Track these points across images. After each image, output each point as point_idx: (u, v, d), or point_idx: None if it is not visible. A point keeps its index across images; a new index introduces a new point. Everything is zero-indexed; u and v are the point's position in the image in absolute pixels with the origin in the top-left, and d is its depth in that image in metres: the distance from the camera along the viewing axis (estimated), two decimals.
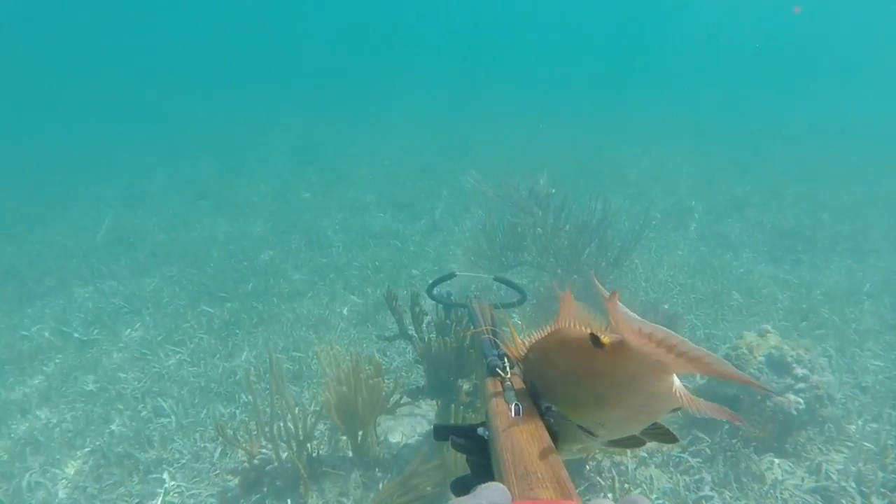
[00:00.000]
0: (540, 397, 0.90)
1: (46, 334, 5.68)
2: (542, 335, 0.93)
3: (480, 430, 0.89)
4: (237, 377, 4.86)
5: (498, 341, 1.11)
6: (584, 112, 18.99)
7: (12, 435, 4.30)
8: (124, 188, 10.86)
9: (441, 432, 0.94)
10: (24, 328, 5.85)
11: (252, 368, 4.89)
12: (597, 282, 0.84)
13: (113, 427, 4.31)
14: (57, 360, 5.27)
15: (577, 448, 0.88)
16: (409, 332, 3.63)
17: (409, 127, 15.55)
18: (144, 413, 4.45)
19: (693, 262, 7.23)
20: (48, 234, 8.58)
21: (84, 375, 5.00)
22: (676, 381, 0.71)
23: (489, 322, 1.45)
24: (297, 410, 3.66)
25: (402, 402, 3.67)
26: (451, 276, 2.39)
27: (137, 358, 5.28)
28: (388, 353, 5.21)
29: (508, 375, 0.97)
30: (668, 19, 38.22)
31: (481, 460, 0.86)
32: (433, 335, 3.49)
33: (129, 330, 5.73)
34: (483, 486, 0.57)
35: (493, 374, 1.01)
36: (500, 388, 0.94)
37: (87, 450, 4.10)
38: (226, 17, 35.80)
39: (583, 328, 0.81)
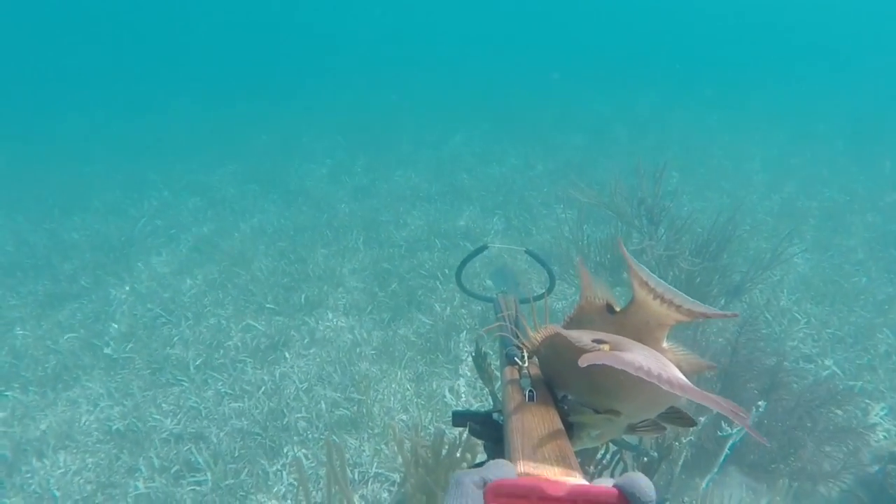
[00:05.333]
0: (555, 387, 0.96)
1: (75, 348, 5.20)
2: (551, 333, 1.00)
3: (495, 416, 0.97)
4: (285, 421, 4.24)
5: (519, 333, 1.13)
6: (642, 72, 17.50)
7: (26, 487, 3.79)
8: (168, 167, 10.38)
9: (459, 419, 1.02)
10: (51, 338, 5.39)
11: (301, 419, 4.24)
12: (622, 247, 0.91)
13: (139, 485, 3.74)
14: (84, 384, 4.77)
15: (594, 434, 0.90)
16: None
17: (475, 103, 14.58)
18: (175, 467, 3.86)
19: (818, 283, 6.20)
20: (87, 219, 8.18)
21: (111, 408, 4.47)
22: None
23: (513, 315, 1.50)
24: None
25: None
26: (483, 248, 2.27)
27: (172, 385, 4.73)
28: (462, 396, 4.50)
29: (525, 364, 1.02)
30: None
31: (497, 446, 0.93)
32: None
33: (167, 348, 5.19)
34: (491, 461, 0.62)
35: (511, 363, 1.05)
36: (517, 376, 0.99)
37: None
38: None
39: (584, 340, 0.84)
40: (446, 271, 6.10)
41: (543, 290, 2.31)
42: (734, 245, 5.42)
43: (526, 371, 0.99)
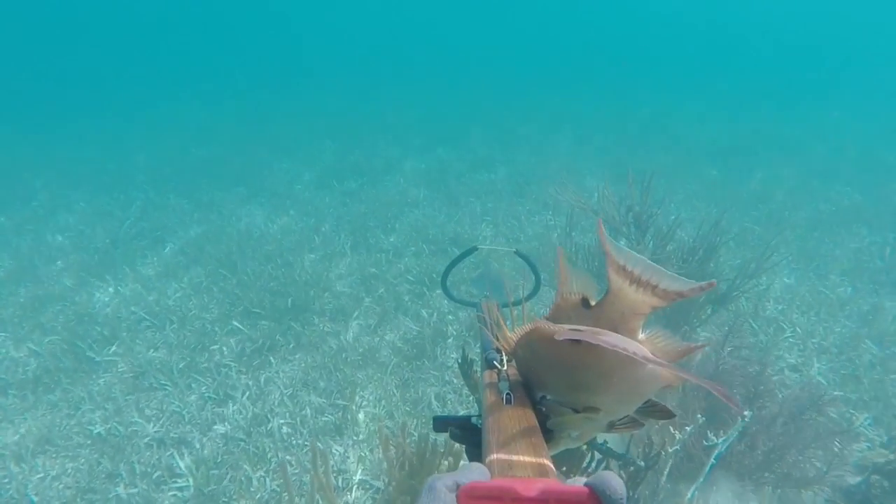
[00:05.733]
0: (534, 388, 0.96)
1: (57, 351, 5.13)
2: (526, 330, 1.00)
3: (474, 420, 0.96)
4: (269, 426, 4.20)
5: (499, 335, 1.09)
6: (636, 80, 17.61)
7: (2, 493, 3.74)
8: (156, 167, 10.33)
9: (440, 424, 1.01)
10: (33, 340, 5.32)
11: (285, 424, 4.22)
12: (603, 231, 0.90)
13: (119, 491, 3.70)
14: (65, 386, 4.71)
15: (574, 435, 0.92)
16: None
17: (465, 110, 14.61)
18: (157, 473, 3.82)
19: (804, 292, 6.24)
20: (72, 220, 8.10)
21: (93, 411, 4.42)
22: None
23: (494, 319, 1.46)
24: None
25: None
26: (473, 250, 2.33)
27: (156, 389, 4.69)
28: (448, 402, 4.49)
29: (504, 368, 1.02)
30: None
31: (477, 450, 0.91)
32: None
33: (150, 350, 5.14)
34: (464, 464, 0.65)
35: (490, 366, 1.05)
36: (495, 380, 0.99)
37: None
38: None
39: (559, 327, 0.85)
40: (434, 276, 6.09)
41: (526, 294, 2.34)
42: (721, 253, 5.45)
43: (504, 374, 0.99)
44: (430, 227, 7.50)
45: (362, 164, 10.21)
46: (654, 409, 0.93)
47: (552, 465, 0.71)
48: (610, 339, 0.77)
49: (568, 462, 2.21)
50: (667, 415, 0.94)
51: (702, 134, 12.75)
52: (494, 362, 1.04)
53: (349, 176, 9.62)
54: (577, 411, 0.88)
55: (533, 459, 0.71)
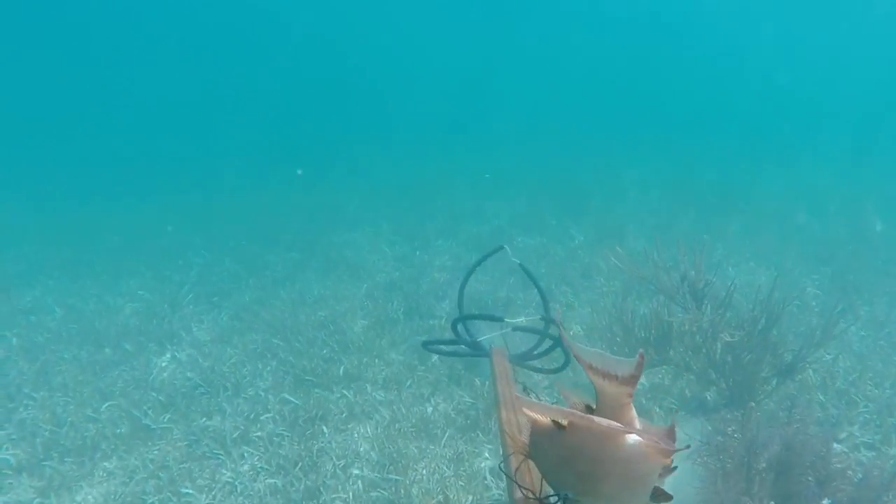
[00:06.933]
0: (556, 487, 1.02)
1: (115, 415, 5.22)
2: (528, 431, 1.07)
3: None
4: (321, 500, 4.14)
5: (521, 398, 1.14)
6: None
7: None
8: (214, 231, 10.66)
9: None
10: (92, 405, 5.43)
11: (338, 498, 4.15)
12: (564, 335, 1.10)
13: None
14: (121, 454, 4.76)
15: None
16: None
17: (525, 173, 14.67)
18: None
19: (876, 363, 5.91)
20: (132, 285, 8.37)
21: (146, 482, 4.44)
22: (635, 438, 0.89)
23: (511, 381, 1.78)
24: None
25: None
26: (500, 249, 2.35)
27: (208, 458, 4.69)
28: (503, 478, 4.34)
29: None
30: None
31: None
32: None
33: (204, 419, 5.18)
34: None
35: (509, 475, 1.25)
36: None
37: None
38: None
39: (546, 417, 0.98)
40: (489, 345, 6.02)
41: (543, 362, 2.40)
42: (783, 320, 5.24)
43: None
44: (483, 293, 7.46)
45: (415, 229, 10.31)
46: (664, 495, 0.97)
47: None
48: (586, 419, 0.88)
49: None
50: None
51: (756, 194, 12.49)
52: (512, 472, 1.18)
53: (400, 241, 9.74)
54: None
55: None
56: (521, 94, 29.62)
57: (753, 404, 4.26)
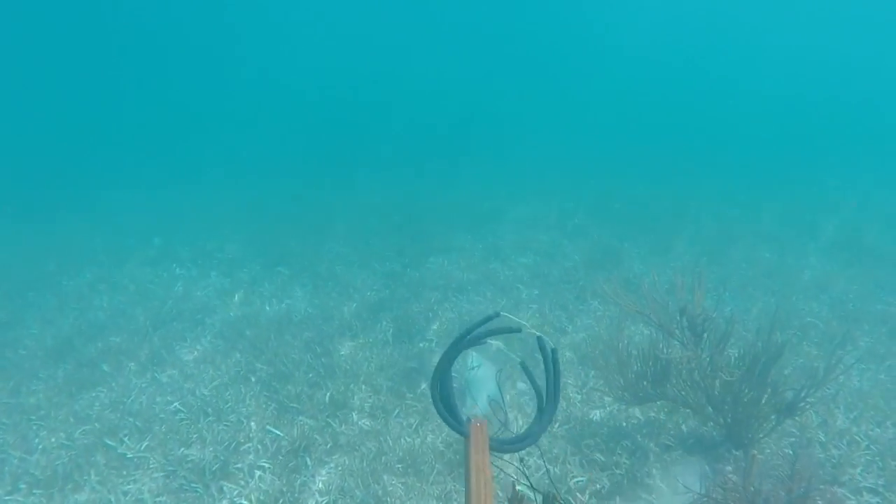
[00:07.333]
0: None
1: (89, 444, 5.01)
2: None
3: None
4: None
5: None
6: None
7: None
8: (200, 245, 10.42)
9: None
10: (65, 431, 5.21)
11: None
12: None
13: None
14: (94, 486, 4.55)
15: None
16: None
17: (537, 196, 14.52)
18: None
19: (878, 401, 5.75)
20: (115, 300, 8.15)
21: None
22: None
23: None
24: None
25: None
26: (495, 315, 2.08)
27: (186, 491, 4.49)
28: None
29: None
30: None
31: None
32: None
33: (182, 448, 4.97)
34: None
35: None
36: None
37: None
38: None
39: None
40: None
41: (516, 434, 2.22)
42: (784, 357, 5.09)
43: None
44: (476, 315, 7.29)
45: (406, 245, 10.13)
46: None
47: None
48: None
49: None
50: None
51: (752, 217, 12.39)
52: None
53: (392, 257, 9.55)
54: None
55: None
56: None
57: (755, 452, 4.08)
